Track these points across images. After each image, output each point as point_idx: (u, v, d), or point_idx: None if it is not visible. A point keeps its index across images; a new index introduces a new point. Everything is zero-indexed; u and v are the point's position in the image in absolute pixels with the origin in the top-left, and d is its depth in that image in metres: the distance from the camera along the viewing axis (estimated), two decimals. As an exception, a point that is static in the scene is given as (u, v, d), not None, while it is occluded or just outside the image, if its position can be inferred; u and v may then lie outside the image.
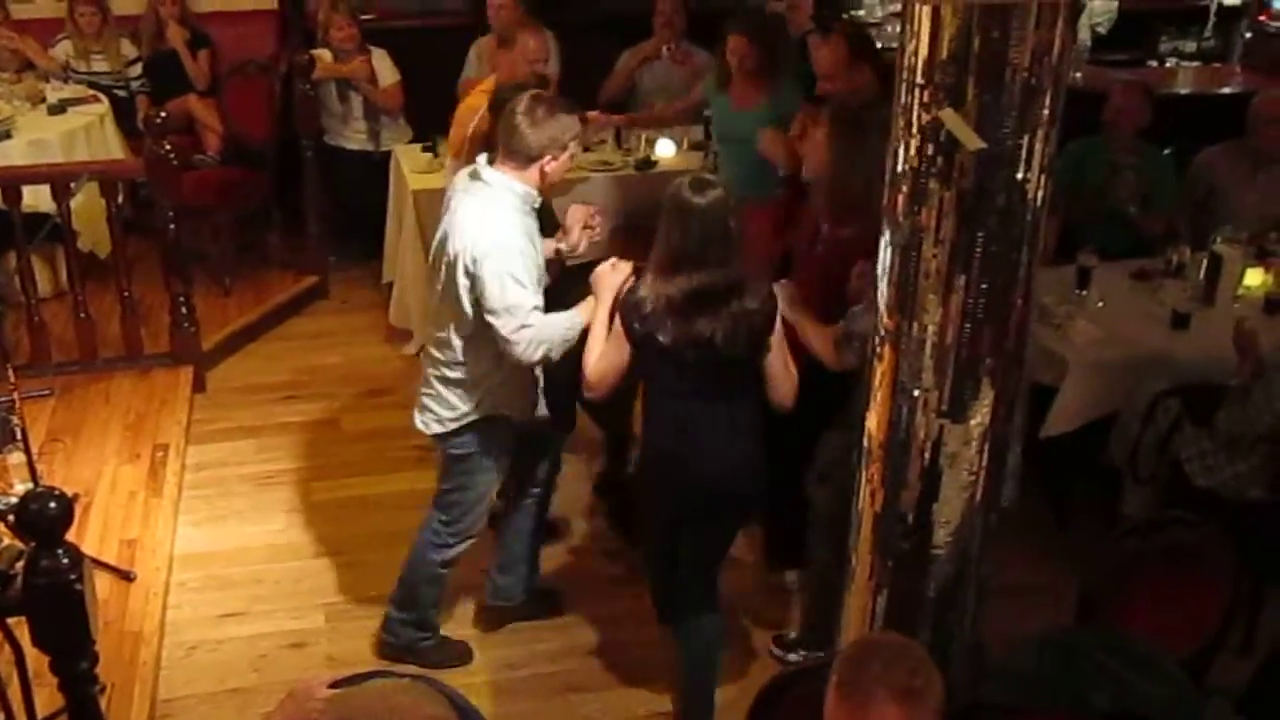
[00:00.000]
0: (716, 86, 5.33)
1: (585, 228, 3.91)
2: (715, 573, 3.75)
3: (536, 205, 3.64)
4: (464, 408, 3.73)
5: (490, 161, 3.60)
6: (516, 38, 4.89)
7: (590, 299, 3.58)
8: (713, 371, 3.36)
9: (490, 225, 3.51)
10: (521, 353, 3.53)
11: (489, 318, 3.51)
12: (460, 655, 4.14)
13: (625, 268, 3.54)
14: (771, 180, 5.09)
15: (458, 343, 3.65)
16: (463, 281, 3.52)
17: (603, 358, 3.46)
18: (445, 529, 3.95)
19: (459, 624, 4.31)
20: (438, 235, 3.67)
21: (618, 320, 3.43)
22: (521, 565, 4.24)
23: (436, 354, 3.73)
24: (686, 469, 3.47)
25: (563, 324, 3.58)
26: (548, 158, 3.55)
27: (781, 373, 3.44)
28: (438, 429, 3.79)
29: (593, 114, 5.74)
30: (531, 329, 3.50)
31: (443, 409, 3.75)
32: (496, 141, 3.62)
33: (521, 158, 3.53)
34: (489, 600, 4.28)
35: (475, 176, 3.60)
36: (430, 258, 3.75)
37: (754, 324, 3.32)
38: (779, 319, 3.41)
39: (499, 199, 3.55)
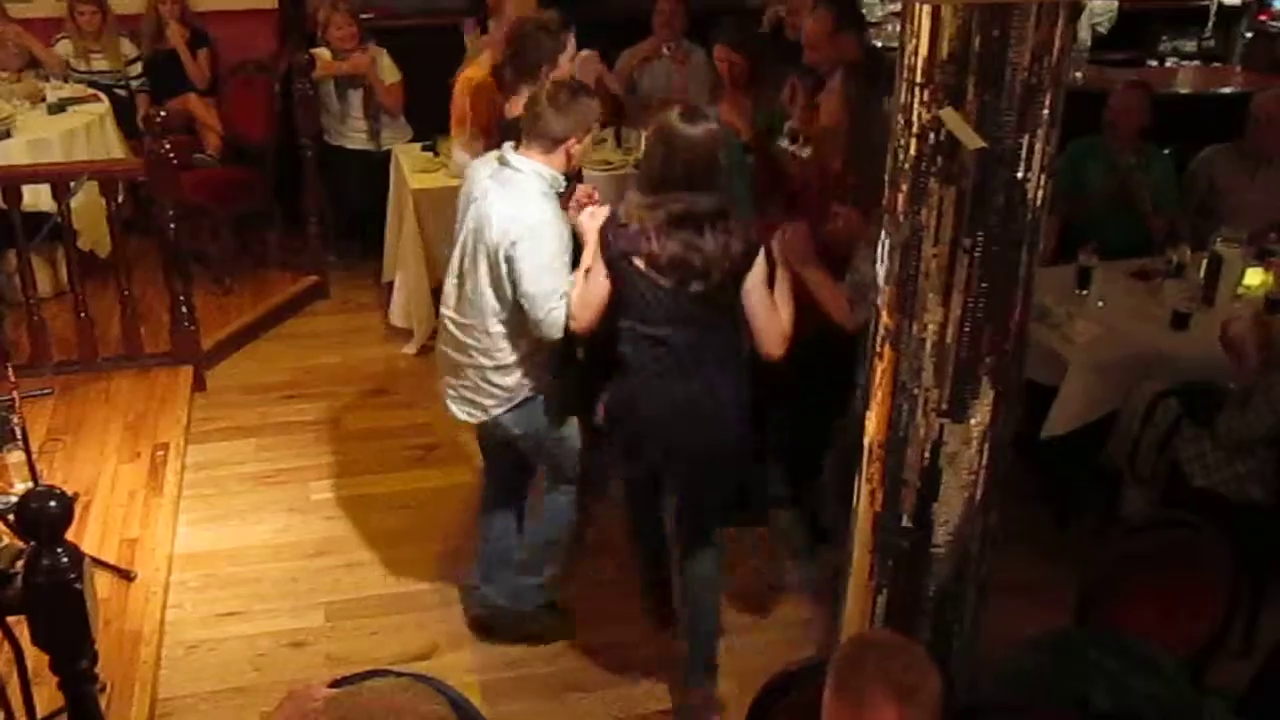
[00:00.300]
0: (708, 101, 5.30)
1: (584, 206, 3.92)
2: (713, 534, 3.82)
3: (561, 189, 3.69)
4: (511, 388, 3.77)
5: (515, 147, 3.66)
6: (505, 7, 4.94)
7: (585, 255, 3.63)
8: (690, 305, 3.40)
9: (525, 211, 3.55)
10: (550, 330, 3.59)
11: (521, 300, 3.57)
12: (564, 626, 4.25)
13: (602, 212, 3.64)
14: (746, 194, 5.10)
15: (498, 329, 3.68)
16: (502, 268, 3.56)
17: (585, 284, 3.53)
18: (561, 486, 4.03)
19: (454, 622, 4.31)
20: (466, 224, 3.69)
21: (598, 247, 3.53)
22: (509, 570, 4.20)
23: (471, 343, 3.73)
24: (654, 409, 3.54)
25: (579, 288, 3.62)
26: (572, 140, 3.60)
27: (766, 316, 3.46)
28: (489, 414, 3.82)
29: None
30: (559, 310, 3.56)
31: (486, 397, 3.79)
32: (522, 126, 3.68)
33: (548, 141, 3.59)
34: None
35: (504, 163, 3.65)
36: (459, 248, 3.74)
37: (735, 247, 3.35)
38: (762, 259, 3.43)
39: (529, 185, 3.60)
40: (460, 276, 3.73)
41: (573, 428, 3.94)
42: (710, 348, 3.49)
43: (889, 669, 2.21)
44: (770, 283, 3.47)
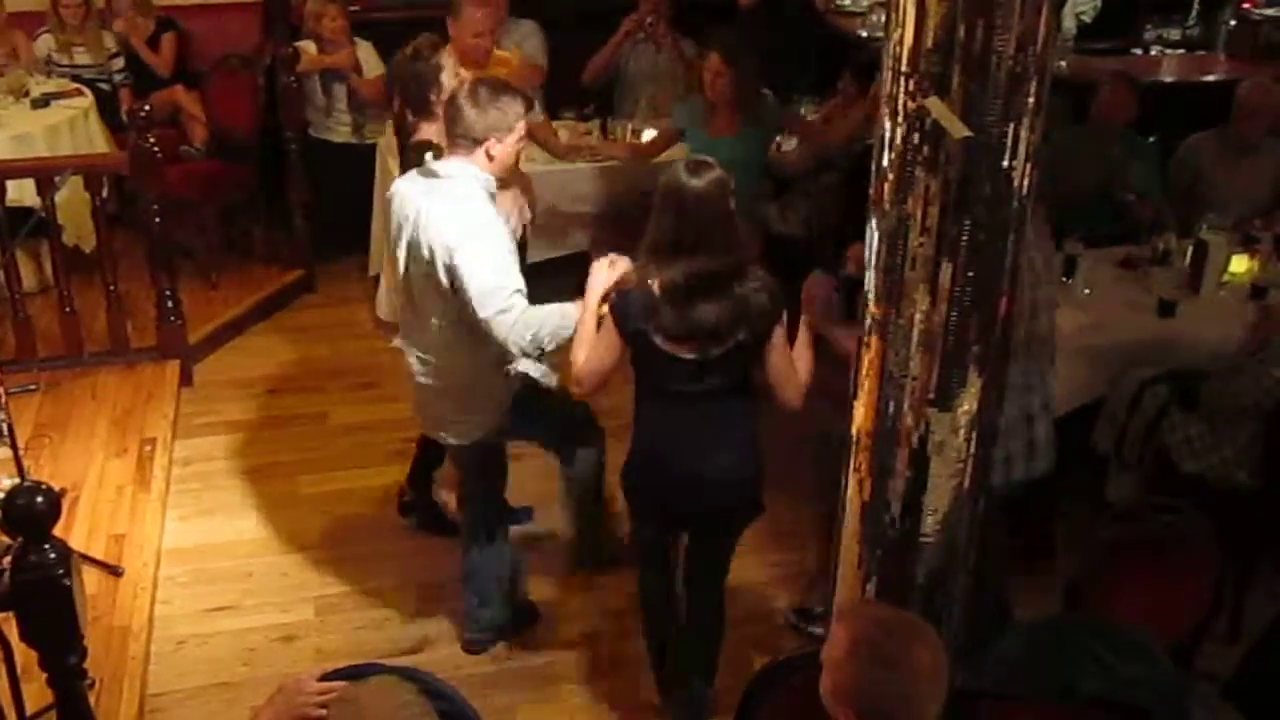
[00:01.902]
0: (690, 116, 5.32)
1: (518, 207, 3.92)
2: (722, 591, 3.74)
3: (494, 190, 3.57)
4: (496, 412, 3.73)
5: (436, 157, 3.57)
6: (463, 9, 4.73)
7: (585, 314, 3.45)
8: (712, 369, 3.26)
9: (459, 215, 3.46)
10: (507, 335, 3.45)
11: (472, 307, 3.45)
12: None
13: (622, 264, 3.43)
14: (753, 210, 5.10)
15: (466, 347, 3.60)
16: (445, 279, 3.48)
17: (593, 353, 3.36)
18: (485, 519, 4.02)
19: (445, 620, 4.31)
20: (402, 251, 3.60)
21: (608, 318, 3.34)
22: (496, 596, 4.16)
23: (441, 366, 3.68)
24: (679, 474, 3.38)
25: (557, 313, 3.49)
26: (492, 140, 3.48)
27: (786, 369, 3.33)
28: (474, 436, 3.78)
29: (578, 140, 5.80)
30: (512, 312, 3.43)
31: (471, 416, 3.75)
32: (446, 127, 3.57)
33: (469, 142, 3.48)
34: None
35: (430, 174, 3.55)
36: (401, 277, 3.66)
37: (759, 305, 3.21)
38: (783, 314, 3.31)
39: (462, 187, 3.50)
40: (414, 306, 3.64)
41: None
42: (734, 408, 3.38)
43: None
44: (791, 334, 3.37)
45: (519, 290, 3.48)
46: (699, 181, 3.17)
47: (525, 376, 3.65)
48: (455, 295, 3.49)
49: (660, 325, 3.21)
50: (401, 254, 3.62)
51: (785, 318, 3.34)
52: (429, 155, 3.59)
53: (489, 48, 4.79)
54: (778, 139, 5.53)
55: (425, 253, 3.50)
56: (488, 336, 3.49)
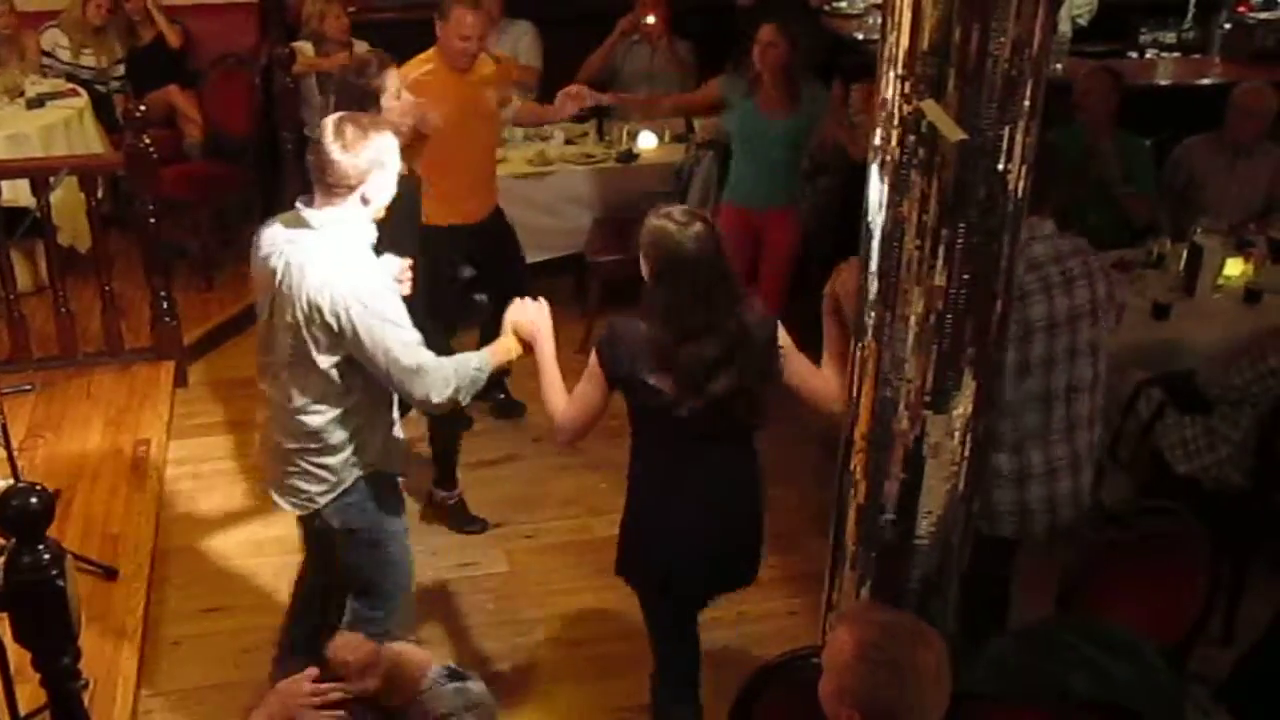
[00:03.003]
0: (737, 88, 5.28)
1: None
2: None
3: (372, 239, 3.23)
4: (341, 473, 3.33)
5: (308, 203, 3.19)
6: (451, 11, 4.64)
7: (503, 341, 3.33)
8: (714, 412, 3.08)
9: (340, 272, 3.09)
10: (426, 395, 3.18)
11: (375, 370, 3.16)
12: None
13: (543, 305, 3.33)
14: (794, 186, 5.12)
15: (320, 407, 3.25)
16: (320, 339, 3.13)
17: (576, 401, 3.19)
18: (371, 610, 3.54)
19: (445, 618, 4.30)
20: (265, 301, 3.26)
21: (592, 362, 3.16)
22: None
23: (292, 425, 3.30)
24: (684, 528, 3.21)
25: (472, 364, 3.26)
26: (370, 183, 3.12)
27: (813, 377, 3.20)
28: (318, 503, 3.36)
29: (572, 88, 5.37)
30: (428, 372, 3.16)
31: (313, 484, 3.34)
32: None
33: (342, 189, 3.10)
34: None
35: (298, 223, 3.17)
36: (262, 324, 3.35)
37: (759, 356, 3.09)
38: (783, 338, 3.19)
39: (333, 243, 3.13)
40: (269, 351, 3.34)
41: (403, 538, 3.58)
42: (738, 452, 3.26)
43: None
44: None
45: (420, 344, 3.19)
46: (691, 240, 3.01)
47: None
48: (334, 352, 3.17)
49: (652, 367, 3.06)
50: (265, 308, 3.28)
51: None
52: (300, 201, 3.21)
53: (476, 52, 4.76)
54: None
55: (296, 310, 3.13)
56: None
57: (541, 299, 3.37)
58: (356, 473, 3.35)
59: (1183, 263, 4.80)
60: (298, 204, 3.21)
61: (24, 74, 6.58)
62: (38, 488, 2.72)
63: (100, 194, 5.59)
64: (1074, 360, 3.31)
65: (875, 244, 2.54)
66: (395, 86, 3.85)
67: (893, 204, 2.46)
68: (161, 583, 4.45)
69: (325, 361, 3.17)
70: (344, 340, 3.11)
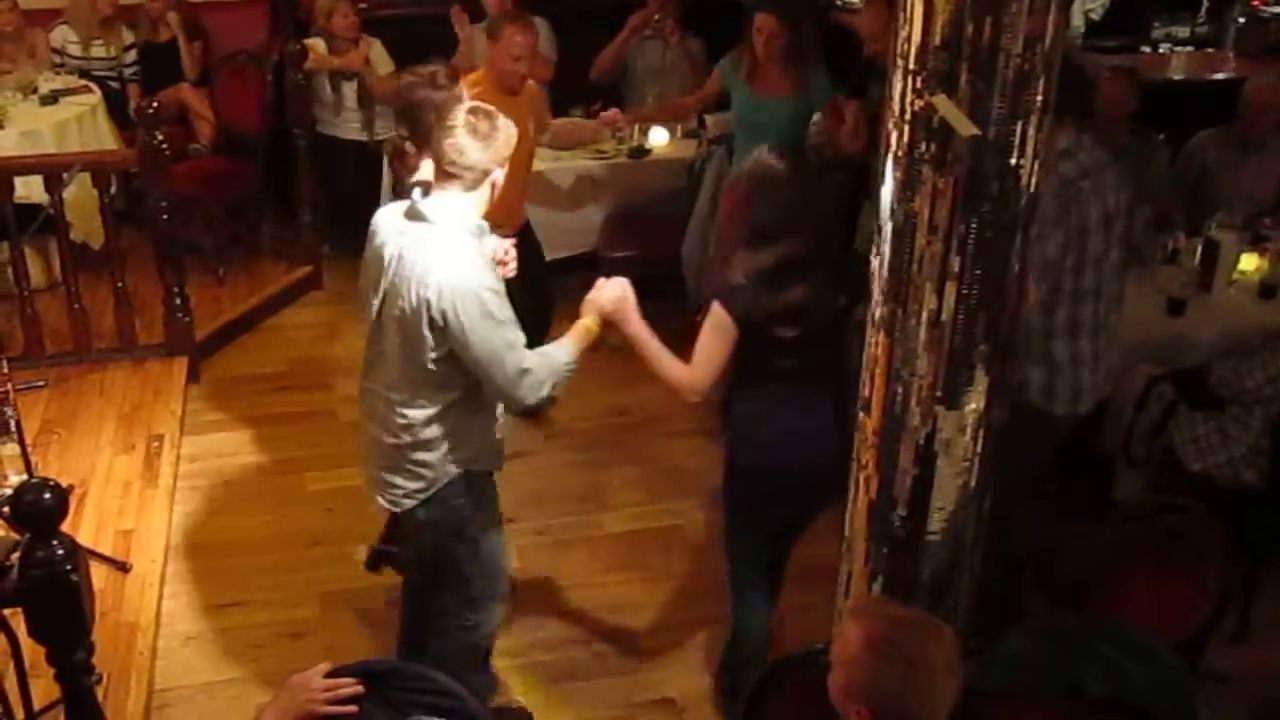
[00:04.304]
0: (736, 72, 5.22)
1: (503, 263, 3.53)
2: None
3: (485, 234, 3.26)
4: (439, 468, 3.30)
5: (425, 193, 3.21)
6: (503, 31, 4.66)
7: (581, 324, 3.31)
8: (816, 347, 3.33)
9: (452, 267, 3.08)
10: (525, 397, 3.17)
11: (476, 370, 3.14)
12: None
13: (621, 281, 3.37)
14: None
15: (421, 402, 3.22)
16: (426, 334, 3.10)
17: (703, 357, 3.32)
18: (463, 610, 3.55)
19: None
20: (380, 291, 3.21)
21: (719, 316, 3.31)
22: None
23: (391, 420, 3.26)
24: (793, 457, 3.38)
25: (561, 360, 3.22)
26: (497, 171, 3.18)
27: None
28: (416, 499, 3.33)
29: (609, 114, 5.68)
30: (532, 373, 3.14)
31: (410, 480, 3.31)
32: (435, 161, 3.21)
33: (470, 176, 3.13)
34: None
35: (415, 215, 3.18)
36: (373, 316, 3.29)
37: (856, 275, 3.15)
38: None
39: (449, 237, 3.14)
40: (378, 343, 3.30)
41: (498, 536, 3.57)
42: (835, 382, 3.40)
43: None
44: None
45: (524, 344, 3.19)
46: (780, 165, 3.27)
47: None
48: (438, 349, 3.13)
49: (762, 308, 3.26)
50: (378, 298, 3.24)
51: None
52: (416, 193, 3.26)
53: (527, 73, 4.69)
54: (816, 117, 5.30)
55: (406, 303, 3.11)
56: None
57: (608, 280, 3.38)
58: (453, 470, 3.31)
59: (1197, 258, 4.78)
60: (414, 195, 3.22)
61: (37, 71, 6.60)
62: (51, 483, 2.74)
63: (113, 191, 5.60)
64: (1108, 259, 3.64)
65: (887, 239, 2.53)
66: (469, 96, 3.76)
67: (905, 199, 2.45)
68: (174, 578, 4.46)
69: (429, 356, 3.13)
70: (449, 336, 3.09)
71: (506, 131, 3.17)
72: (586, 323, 3.32)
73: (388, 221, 3.25)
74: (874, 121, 4.98)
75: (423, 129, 3.49)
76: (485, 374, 3.13)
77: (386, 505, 3.40)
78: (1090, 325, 3.66)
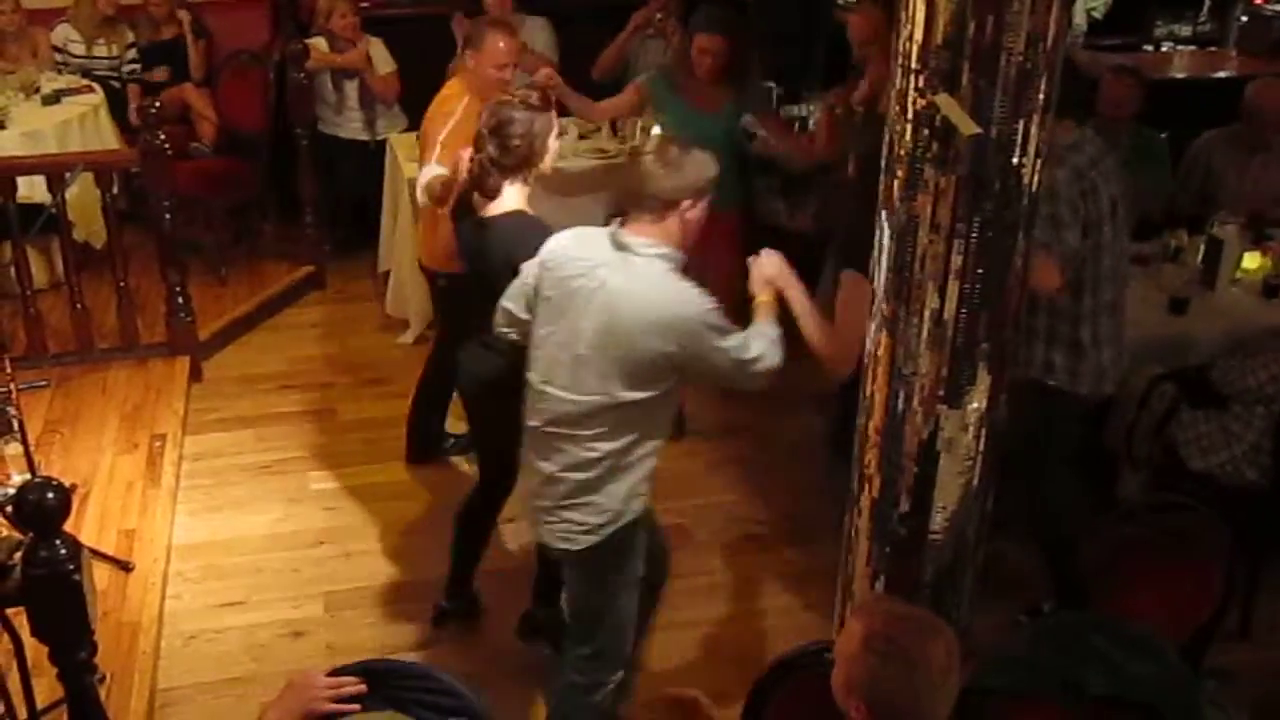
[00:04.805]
0: (669, 89, 5.00)
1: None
2: None
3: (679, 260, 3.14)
4: (624, 505, 3.21)
5: (621, 224, 3.13)
6: (485, 38, 4.38)
7: (763, 301, 3.26)
8: None
9: (675, 305, 3.02)
10: (762, 383, 3.14)
11: (716, 379, 3.23)
12: None
13: (771, 252, 3.36)
14: (731, 187, 4.99)
15: (614, 435, 3.14)
16: (640, 367, 3.04)
17: (854, 326, 3.12)
18: (593, 662, 3.42)
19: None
20: (569, 324, 3.11)
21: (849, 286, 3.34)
22: None
23: (577, 453, 3.17)
24: None
25: (771, 333, 3.17)
26: (686, 203, 3.07)
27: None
28: (592, 538, 3.22)
29: (544, 73, 5.16)
30: (762, 355, 3.10)
31: (591, 515, 3.20)
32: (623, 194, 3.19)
33: (659, 207, 3.06)
34: None
35: (622, 247, 3.08)
36: (553, 350, 3.16)
37: None
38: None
39: (658, 270, 3.07)
40: (560, 377, 3.15)
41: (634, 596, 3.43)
42: None
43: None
44: None
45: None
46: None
47: None
48: (666, 377, 3.10)
49: None
50: (590, 329, 3.09)
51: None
52: (615, 222, 3.15)
53: (510, 80, 4.44)
54: (747, 117, 5.20)
55: (623, 333, 3.03)
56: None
57: (770, 253, 3.35)
58: (634, 510, 3.24)
59: (1200, 256, 4.77)
60: (612, 226, 3.14)
61: (39, 70, 6.60)
62: (54, 483, 2.74)
63: (115, 190, 5.61)
64: (1119, 242, 3.79)
65: (889, 239, 2.53)
66: (558, 126, 3.74)
67: (907, 199, 2.45)
68: (176, 577, 4.46)
69: (640, 393, 3.08)
70: (675, 364, 3.05)
71: (702, 163, 3.11)
72: (764, 299, 3.27)
73: (580, 252, 3.16)
74: (869, 123, 5.03)
75: (511, 150, 3.48)
76: (725, 380, 3.17)
77: (557, 544, 3.30)
78: (1109, 306, 3.82)
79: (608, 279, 3.06)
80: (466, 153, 3.67)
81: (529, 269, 3.27)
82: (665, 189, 3.05)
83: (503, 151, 3.48)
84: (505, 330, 3.37)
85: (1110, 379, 3.92)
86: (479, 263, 3.62)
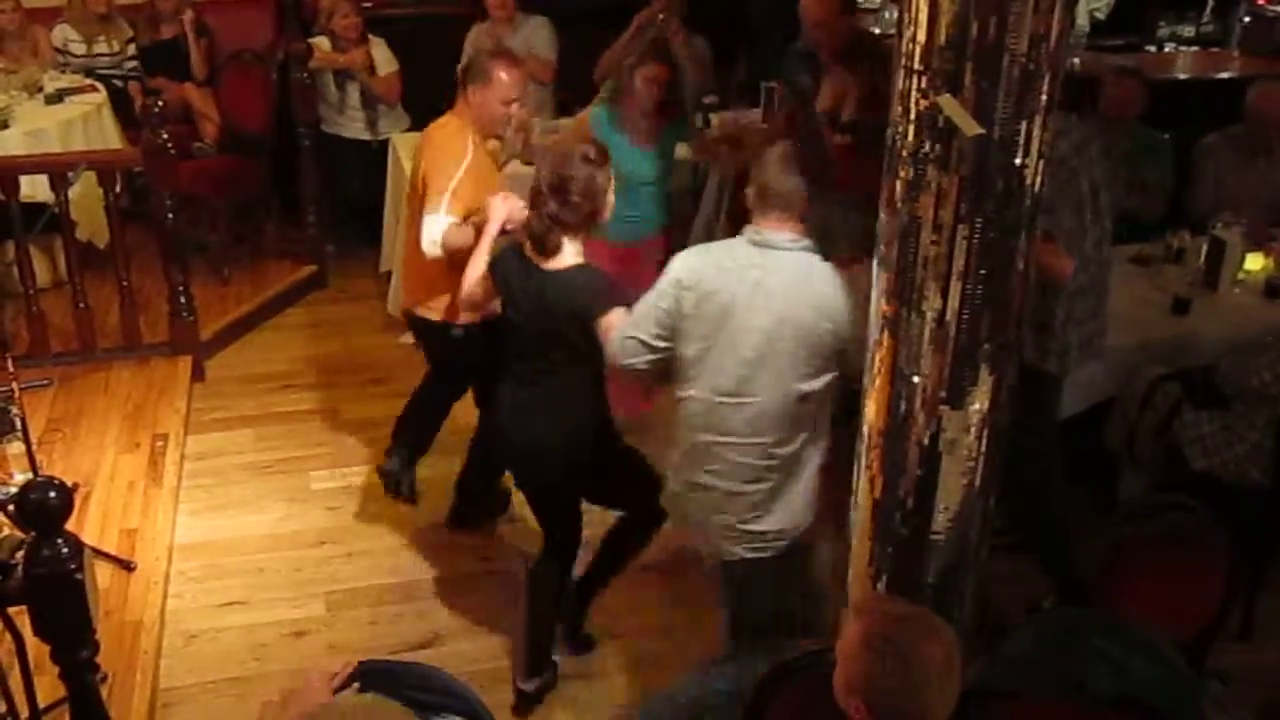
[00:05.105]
0: (612, 124, 4.81)
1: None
2: None
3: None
4: (802, 509, 3.32)
5: (758, 229, 3.18)
6: (492, 73, 4.08)
7: None
8: None
9: (828, 289, 3.12)
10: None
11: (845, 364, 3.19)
12: None
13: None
14: (660, 214, 4.96)
15: (799, 436, 3.22)
16: (813, 361, 3.12)
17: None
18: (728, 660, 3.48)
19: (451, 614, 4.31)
20: (725, 336, 3.15)
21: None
22: None
23: (754, 465, 3.22)
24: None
25: None
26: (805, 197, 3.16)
27: None
28: (784, 541, 3.31)
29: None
30: None
31: (785, 518, 3.29)
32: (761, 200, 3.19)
33: (796, 210, 3.15)
34: None
35: (765, 244, 3.15)
36: (715, 363, 3.19)
37: None
38: None
39: (806, 259, 3.15)
40: (742, 374, 3.17)
41: None
42: None
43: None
44: None
45: None
46: None
47: None
48: (808, 379, 3.16)
49: None
50: (760, 334, 3.14)
51: None
52: (748, 231, 3.20)
53: (514, 113, 4.31)
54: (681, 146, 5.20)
55: (796, 331, 3.11)
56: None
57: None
58: (808, 519, 3.32)
59: (1202, 257, 4.77)
60: (747, 232, 3.19)
61: (42, 69, 6.61)
62: (56, 482, 2.74)
63: (118, 190, 5.61)
64: (1099, 226, 3.79)
65: (892, 240, 2.53)
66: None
67: (909, 199, 2.45)
68: (178, 577, 4.46)
69: (808, 382, 3.14)
70: (838, 348, 3.11)
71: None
72: None
73: (711, 264, 3.21)
74: (797, 114, 4.97)
75: (574, 207, 3.45)
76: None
77: (746, 554, 3.33)
78: (1085, 287, 3.80)
79: (762, 279, 3.12)
80: (510, 204, 3.72)
81: (663, 294, 3.26)
82: (792, 186, 3.12)
83: (564, 208, 3.45)
84: (632, 361, 3.34)
85: (1074, 356, 3.89)
86: (535, 313, 3.56)
